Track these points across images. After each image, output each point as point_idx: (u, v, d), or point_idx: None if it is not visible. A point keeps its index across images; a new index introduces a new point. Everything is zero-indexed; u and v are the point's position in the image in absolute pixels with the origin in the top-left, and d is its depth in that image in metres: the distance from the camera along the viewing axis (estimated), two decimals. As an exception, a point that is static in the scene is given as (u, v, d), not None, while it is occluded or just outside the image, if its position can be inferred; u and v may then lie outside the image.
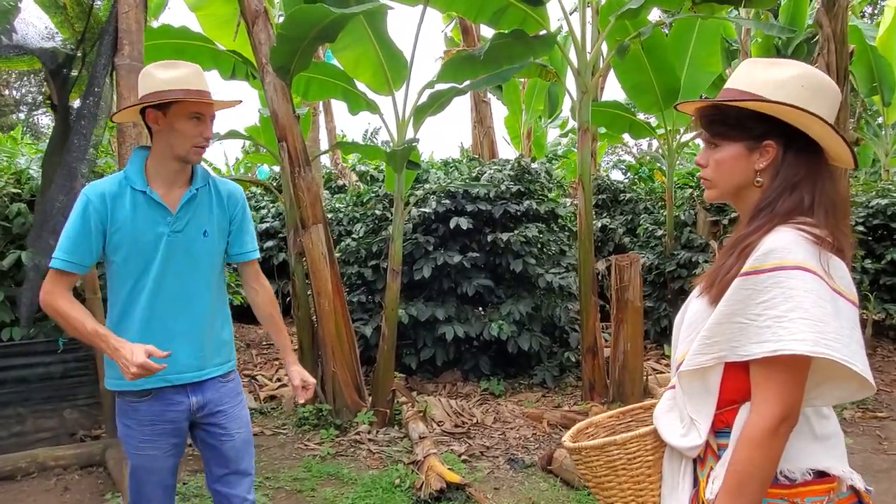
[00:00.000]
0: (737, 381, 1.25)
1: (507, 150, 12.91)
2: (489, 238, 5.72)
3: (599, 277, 6.70)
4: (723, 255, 1.31)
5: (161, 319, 1.94)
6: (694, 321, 1.33)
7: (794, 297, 1.13)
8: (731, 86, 1.33)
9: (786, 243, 1.17)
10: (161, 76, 1.89)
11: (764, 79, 1.27)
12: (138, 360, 1.71)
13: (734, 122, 1.29)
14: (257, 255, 2.20)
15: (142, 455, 1.98)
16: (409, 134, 4.76)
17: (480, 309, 5.94)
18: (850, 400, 1.23)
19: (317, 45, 4.47)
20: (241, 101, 2.13)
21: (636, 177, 10.85)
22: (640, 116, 7.78)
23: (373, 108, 4.92)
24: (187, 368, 1.98)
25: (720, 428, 1.28)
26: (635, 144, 21.45)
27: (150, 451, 1.98)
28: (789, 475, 1.21)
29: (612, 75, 7.80)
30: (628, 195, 8.97)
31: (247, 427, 2.15)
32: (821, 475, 1.22)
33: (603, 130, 8.24)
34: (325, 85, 4.91)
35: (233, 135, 4.85)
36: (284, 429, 4.56)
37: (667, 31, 6.57)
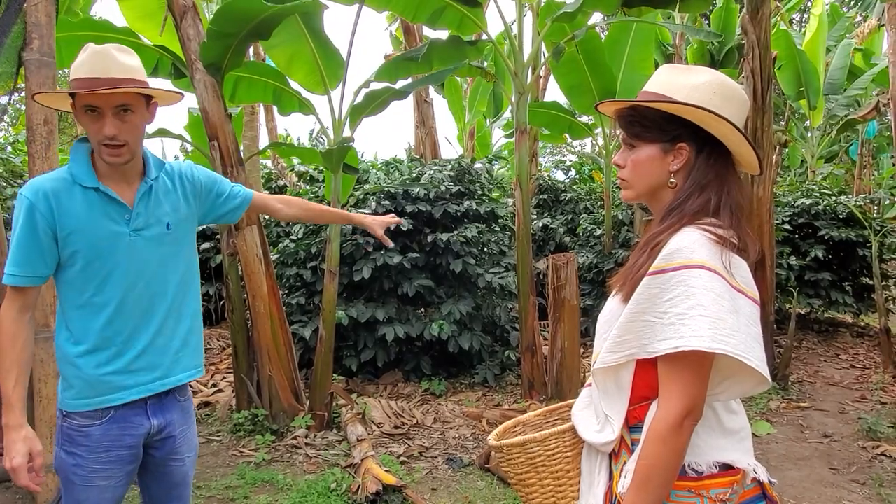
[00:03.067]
0: (648, 377, 1.28)
1: (451, 151, 12.96)
2: (429, 238, 5.71)
3: (540, 276, 6.80)
4: (635, 254, 1.34)
5: (124, 327, 1.74)
6: (608, 319, 1.36)
7: (695, 295, 1.16)
8: (648, 89, 1.36)
9: (690, 243, 1.20)
10: (77, 61, 1.66)
11: (679, 83, 1.31)
12: (16, 462, 1.60)
13: (650, 123, 1.32)
14: (251, 194, 2.08)
15: (90, 487, 1.74)
16: (346, 134, 4.71)
17: (421, 309, 5.93)
18: (751, 394, 1.27)
19: (250, 42, 4.37)
20: (146, 84, 1.71)
21: (577, 176, 11.06)
22: (584, 119, 7.94)
23: (306, 108, 4.83)
24: (159, 376, 1.81)
25: (634, 423, 1.31)
26: (579, 145, 21.90)
27: (101, 481, 1.74)
28: (696, 468, 1.24)
29: (552, 77, 7.92)
30: (569, 195, 9.13)
31: (195, 450, 1.99)
32: (726, 468, 1.25)
33: (546, 132, 8.38)
34: (254, 86, 4.78)
35: (161, 133, 4.68)
36: (218, 436, 4.43)
37: (603, 35, 6.72)
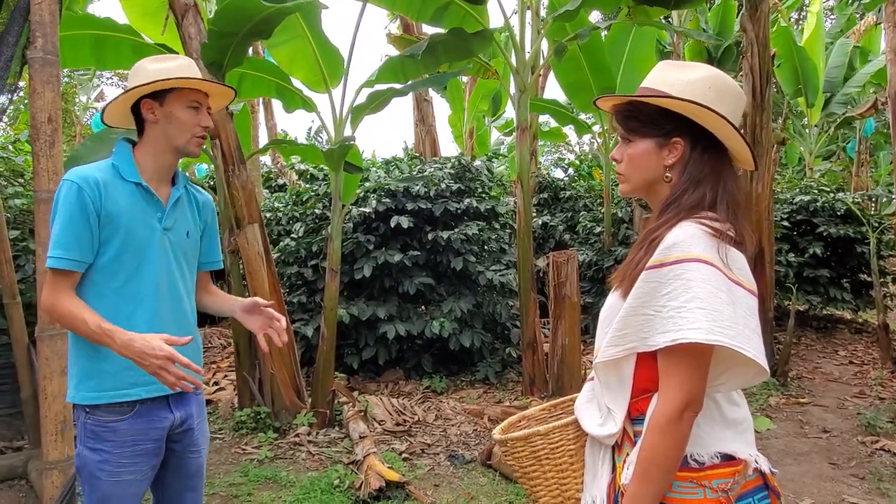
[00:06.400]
0: (649, 370, 1.29)
1: (450, 149, 12.97)
2: (430, 236, 5.73)
3: (540, 274, 6.82)
4: (634, 249, 1.36)
5: (158, 321, 1.80)
6: (608, 314, 1.38)
7: (692, 288, 1.18)
8: (644, 84, 1.38)
9: (687, 237, 1.22)
10: (155, 67, 1.81)
11: (675, 79, 1.33)
12: (163, 351, 1.56)
13: (646, 118, 1.34)
14: (219, 265, 2.15)
15: (118, 482, 1.76)
16: (347, 132, 4.72)
17: (422, 307, 5.94)
18: (750, 384, 1.29)
19: (251, 41, 4.38)
20: (234, 90, 2.04)
21: (577, 174, 11.08)
22: (582, 116, 7.96)
23: (309, 105, 4.85)
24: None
25: (636, 416, 1.32)
26: (577, 143, 21.92)
27: (127, 475, 1.77)
28: (698, 458, 1.26)
29: (552, 76, 7.95)
30: (568, 193, 9.15)
31: (208, 442, 2.06)
32: (728, 458, 1.27)
33: (546, 129, 8.41)
34: (259, 82, 4.80)
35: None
36: (221, 433, 4.45)
37: (603, 34, 6.74)
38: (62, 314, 1.69)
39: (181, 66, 1.85)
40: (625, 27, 6.86)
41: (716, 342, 1.15)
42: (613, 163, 1.44)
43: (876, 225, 7.01)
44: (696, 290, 1.17)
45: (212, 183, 6.81)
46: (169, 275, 1.86)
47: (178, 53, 4.49)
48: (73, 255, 1.70)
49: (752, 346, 1.17)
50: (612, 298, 1.38)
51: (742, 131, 1.33)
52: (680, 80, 1.31)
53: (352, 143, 4.37)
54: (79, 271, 1.73)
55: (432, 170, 6.22)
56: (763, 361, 1.18)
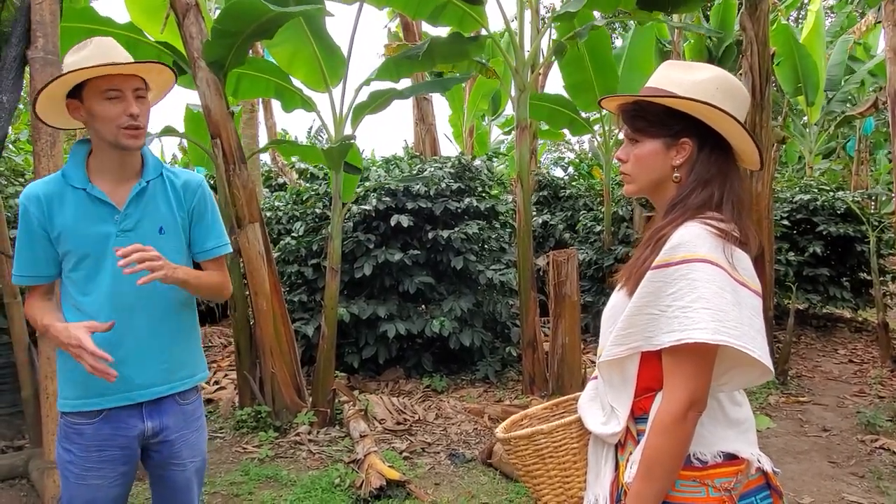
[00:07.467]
0: (653, 369, 1.30)
1: (450, 148, 12.96)
2: (430, 235, 5.73)
3: (540, 273, 6.81)
4: (640, 249, 1.36)
5: (116, 329, 1.70)
6: (612, 313, 1.38)
7: (698, 288, 1.18)
8: (650, 84, 1.38)
9: (692, 238, 1.23)
10: (70, 60, 1.65)
11: (681, 79, 1.33)
12: (75, 340, 1.57)
13: (654, 118, 1.34)
14: (221, 252, 1.92)
15: (83, 485, 1.75)
16: (347, 131, 4.72)
17: (422, 306, 5.94)
18: (755, 384, 1.30)
19: (253, 41, 4.38)
20: (165, 65, 1.77)
21: (577, 173, 11.07)
22: (584, 115, 7.94)
23: (309, 105, 4.85)
24: (147, 384, 1.77)
25: (639, 415, 1.33)
26: (577, 142, 21.91)
27: (93, 479, 1.75)
28: (701, 457, 1.26)
29: (552, 74, 7.93)
30: (568, 192, 9.15)
31: (202, 455, 1.93)
32: (730, 458, 1.27)
33: (545, 127, 8.39)
34: (257, 82, 4.79)
35: (167, 132, 4.69)
36: (221, 432, 4.46)
37: (616, 35, 6.75)
38: (30, 321, 1.79)
39: (85, 58, 1.64)
40: (626, 28, 6.87)
41: (721, 342, 1.15)
42: (618, 163, 1.44)
43: (876, 224, 7.01)
44: (702, 290, 1.18)
45: (212, 182, 6.81)
46: (131, 280, 1.66)
47: (177, 51, 4.48)
48: (27, 271, 1.77)
49: (756, 346, 1.18)
50: (617, 297, 1.38)
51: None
52: (687, 80, 1.31)
53: (352, 142, 4.37)
54: (42, 284, 1.80)
55: (432, 169, 6.21)
56: (768, 362, 1.19)
